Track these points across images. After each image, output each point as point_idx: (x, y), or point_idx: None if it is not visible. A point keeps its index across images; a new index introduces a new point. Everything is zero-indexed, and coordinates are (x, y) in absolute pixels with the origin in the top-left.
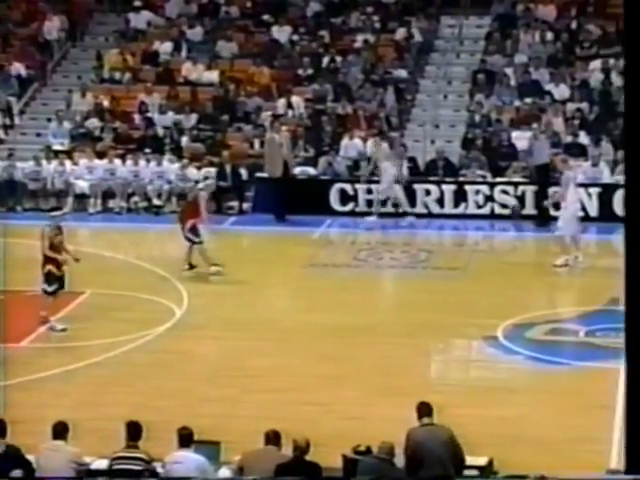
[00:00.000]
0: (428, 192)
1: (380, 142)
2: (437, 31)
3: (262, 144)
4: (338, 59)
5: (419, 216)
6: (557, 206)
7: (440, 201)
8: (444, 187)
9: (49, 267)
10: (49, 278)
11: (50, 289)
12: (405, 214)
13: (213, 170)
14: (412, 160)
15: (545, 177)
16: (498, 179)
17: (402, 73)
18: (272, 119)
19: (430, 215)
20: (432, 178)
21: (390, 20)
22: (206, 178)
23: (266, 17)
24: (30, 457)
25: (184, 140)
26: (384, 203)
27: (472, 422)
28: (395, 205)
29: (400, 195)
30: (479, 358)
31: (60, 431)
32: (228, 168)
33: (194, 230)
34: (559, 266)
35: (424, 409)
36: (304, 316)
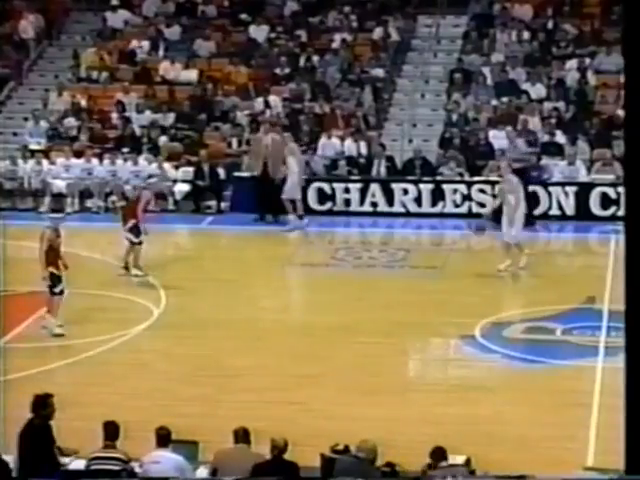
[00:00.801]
0: (406, 191)
1: (284, 138)
2: (414, 30)
3: (240, 143)
4: (315, 58)
5: (397, 215)
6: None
7: (418, 200)
8: (422, 186)
9: (51, 269)
10: (53, 279)
11: (57, 289)
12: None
13: (191, 169)
14: (390, 159)
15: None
16: (475, 178)
17: (379, 72)
18: (268, 123)
19: (408, 214)
20: (410, 177)
21: (367, 19)
22: (150, 177)
23: (243, 16)
24: (7, 458)
25: (162, 139)
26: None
27: (449, 421)
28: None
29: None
30: (456, 357)
31: None
32: (206, 167)
33: (134, 230)
34: (503, 270)
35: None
36: (282, 315)
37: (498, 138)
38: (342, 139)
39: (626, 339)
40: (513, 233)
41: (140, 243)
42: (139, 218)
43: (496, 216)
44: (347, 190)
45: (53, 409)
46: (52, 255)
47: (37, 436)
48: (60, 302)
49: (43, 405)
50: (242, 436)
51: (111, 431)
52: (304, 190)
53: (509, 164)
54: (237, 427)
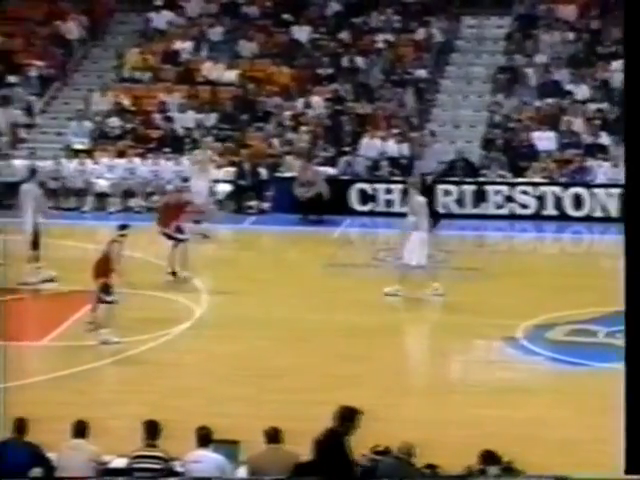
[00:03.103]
0: (448, 192)
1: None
2: (458, 31)
3: (282, 143)
4: (358, 59)
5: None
6: None
7: (460, 201)
8: (464, 187)
9: (108, 279)
10: (108, 289)
11: (110, 298)
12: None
13: (233, 169)
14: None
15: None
16: (518, 179)
17: (422, 73)
18: None
19: (450, 215)
20: (452, 178)
21: (411, 20)
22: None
23: (286, 16)
24: (50, 455)
25: (204, 139)
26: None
27: (492, 423)
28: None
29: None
30: (499, 359)
31: (80, 430)
32: (247, 167)
33: (178, 230)
34: (391, 294)
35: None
36: (323, 316)
37: (541, 139)
38: (384, 140)
39: (626, 339)
40: (414, 256)
41: (185, 240)
42: (180, 219)
43: None
44: (389, 191)
45: (357, 425)
46: (115, 266)
47: (334, 444)
48: (110, 312)
49: (350, 417)
50: (273, 436)
51: (152, 430)
52: (346, 190)
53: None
54: (268, 427)
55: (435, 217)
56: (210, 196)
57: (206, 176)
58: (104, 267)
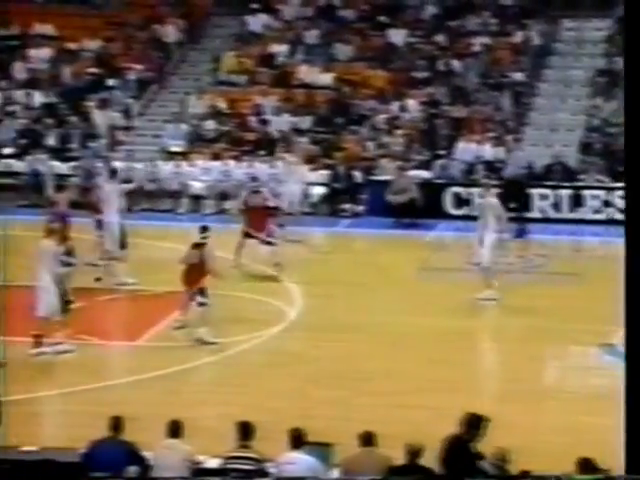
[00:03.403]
0: (544, 197)
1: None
2: (556, 34)
3: (377, 146)
4: (454, 62)
5: (535, 220)
6: None
7: (556, 206)
8: (561, 192)
9: (203, 283)
10: (203, 291)
11: (205, 300)
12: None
13: (327, 172)
14: (528, 164)
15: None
16: (617, 184)
17: (519, 76)
18: None
19: (546, 220)
20: (548, 183)
21: (508, 23)
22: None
23: (382, 18)
24: (146, 454)
25: (301, 142)
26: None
27: (588, 430)
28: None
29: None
30: (595, 365)
31: (175, 429)
32: (342, 170)
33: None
34: (483, 299)
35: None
36: (416, 319)
37: None
38: (480, 143)
39: (626, 339)
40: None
41: (273, 243)
42: (268, 222)
43: None
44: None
45: (483, 433)
46: (203, 268)
47: (460, 451)
48: (205, 315)
49: (476, 425)
50: (367, 439)
51: (246, 431)
52: (440, 194)
53: (486, 186)
54: (362, 431)
55: (522, 222)
56: (303, 199)
57: (298, 179)
58: (199, 271)
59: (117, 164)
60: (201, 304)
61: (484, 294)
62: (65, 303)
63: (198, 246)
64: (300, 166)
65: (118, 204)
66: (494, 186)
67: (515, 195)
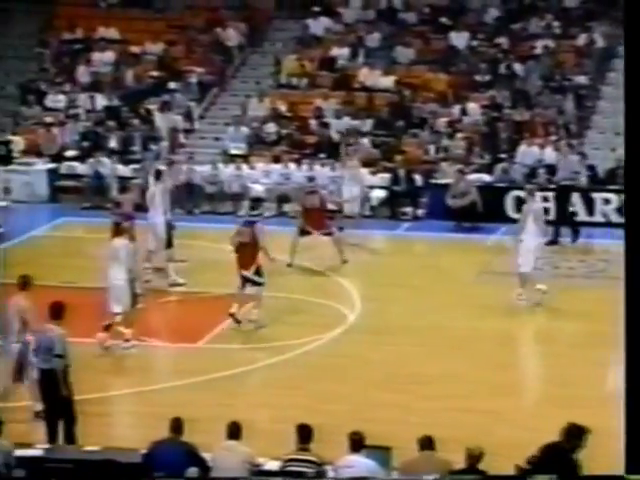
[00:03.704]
0: (607, 201)
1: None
2: (621, 36)
3: (437, 150)
4: (517, 65)
5: (597, 225)
6: None
7: (620, 210)
8: (624, 196)
9: (258, 262)
10: (259, 270)
11: (261, 280)
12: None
13: (387, 175)
14: (591, 168)
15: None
16: None
17: (583, 79)
18: None
19: (609, 224)
20: (612, 187)
21: (571, 25)
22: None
23: (444, 20)
24: (205, 455)
25: (362, 144)
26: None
27: None
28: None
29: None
30: None
31: (234, 431)
32: (402, 173)
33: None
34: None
35: None
36: (476, 323)
37: None
38: (542, 147)
39: (626, 339)
40: (526, 263)
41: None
42: (326, 221)
43: None
44: (546, 199)
45: (584, 444)
46: (255, 249)
47: (561, 459)
48: (261, 292)
49: (578, 435)
50: (427, 443)
51: (305, 434)
52: (501, 198)
53: (530, 191)
54: (421, 435)
55: (573, 226)
56: (363, 203)
57: (357, 183)
58: (252, 250)
59: (161, 166)
60: (257, 284)
61: (520, 293)
62: (134, 302)
63: (249, 224)
64: (359, 169)
65: (162, 205)
66: (540, 190)
67: (568, 199)
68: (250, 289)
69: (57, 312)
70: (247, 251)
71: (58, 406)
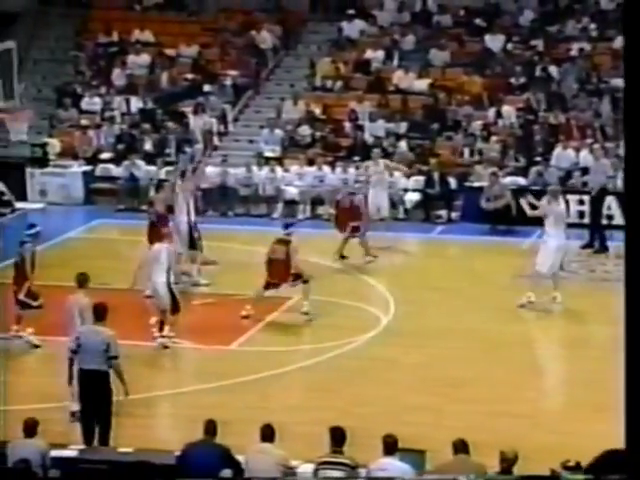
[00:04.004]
0: None
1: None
2: None
3: (472, 153)
4: (552, 68)
5: None
6: None
7: None
8: None
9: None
10: (301, 275)
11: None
12: None
13: (422, 178)
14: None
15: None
16: None
17: (619, 82)
18: None
19: None
20: None
21: (607, 28)
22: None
23: (478, 21)
24: (239, 457)
25: (400, 146)
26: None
27: None
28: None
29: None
30: None
31: (268, 434)
32: (436, 176)
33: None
34: (523, 305)
35: None
36: (510, 327)
37: None
38: (577, 150)
39: (626, 339)
40: (545, 264)
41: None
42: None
43: None
44: (581, 202)
45: None
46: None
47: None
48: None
49: None
50: (461, 447)
51: (338, 436)
52: (537, 201)
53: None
54: (456, 438)
55: (600, 230)
56: (394, 206)
57: (383, 187)
58: (285, 267)
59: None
60: (305, 281)
61: (529, 297)
62: (175, 305)
63: (282, 242)
64: (385, 173)
65: (185, 205)
66: (564, 192)
67: (603, 203)
68: (300, 285)
69: (101, 313)
70: (280, 266)
71: (98, 407)
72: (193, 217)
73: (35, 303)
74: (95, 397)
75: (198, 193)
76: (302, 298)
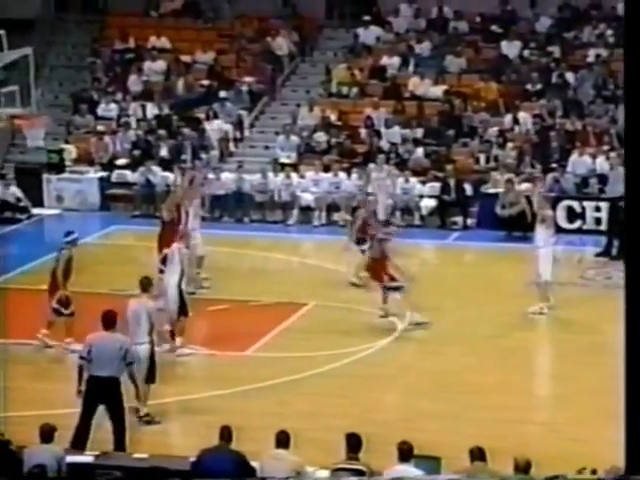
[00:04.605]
0: None
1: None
2: None
3: (488, 159)
4: (569, 74)
5: None
6: None
7: None
8: None
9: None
10: (395, 278)
11: (400, 284)
12: None
13: (437, 185)
14: None
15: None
16: None
17: None
18: None
19: None
20: None
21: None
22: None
23: (494, 27)
24: (253, 464)
25: (416, 152)
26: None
27: None
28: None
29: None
30: None
31: (283, 440)
32: (452, 183)
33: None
34: (534, 313)
35: None
36: (526, 334)
37: None
38: (594, 157)
39: (626, 338)
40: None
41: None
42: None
43: None
44: (598, 209)
45: None
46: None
47: None
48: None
49: None
50: (478, 454)
51: (354, 443)
52: (553, 208)
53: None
54: (473, 446)
55: (617, 238)
56: (389, 214)
57: (384, 193)
58: (382, 265)
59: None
60: (397, 289)
61: (536, 307)
62: (183, 309)
63: (381, 241)
64: (387, 180)
65: (194, 211)
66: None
67: (620, 211)
68: (393, 296)
69: (111, 321)
70: (377, 265)
71: (112, 414)
72: (191, 224)
73: (66, 311)
74: (109, 404)
75: (197, 202)
76: (400, 309)
